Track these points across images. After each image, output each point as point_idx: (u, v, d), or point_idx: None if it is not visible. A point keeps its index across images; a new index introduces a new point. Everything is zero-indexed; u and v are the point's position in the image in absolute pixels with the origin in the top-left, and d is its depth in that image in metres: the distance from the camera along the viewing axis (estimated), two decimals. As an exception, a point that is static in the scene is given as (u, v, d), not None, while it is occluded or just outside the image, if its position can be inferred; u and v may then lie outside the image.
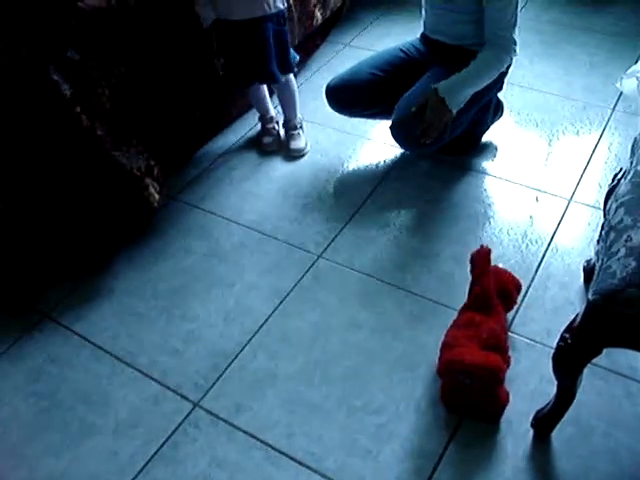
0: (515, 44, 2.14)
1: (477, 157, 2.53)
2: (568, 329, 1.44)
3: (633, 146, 1.61)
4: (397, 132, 2.25)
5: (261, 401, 1.79)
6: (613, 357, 1.78)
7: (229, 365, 1.88)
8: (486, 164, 2.50)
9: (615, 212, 1.41)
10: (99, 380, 1.86)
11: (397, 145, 2.38)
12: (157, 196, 2.15)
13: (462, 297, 2.00)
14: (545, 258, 2.11)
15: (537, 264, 2.09)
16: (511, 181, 2.41)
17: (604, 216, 1.82)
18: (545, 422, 1.66)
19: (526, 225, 2.23)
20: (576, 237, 2.17)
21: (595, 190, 2.33)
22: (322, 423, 1.73)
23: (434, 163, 2.52)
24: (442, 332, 1.91)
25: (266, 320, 1.99)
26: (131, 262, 2.19)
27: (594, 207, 2.26)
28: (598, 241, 1.53)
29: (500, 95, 2.52)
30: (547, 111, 2.72)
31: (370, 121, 2.71)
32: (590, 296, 1.30)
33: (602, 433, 1.68)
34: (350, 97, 2.39)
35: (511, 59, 2.17)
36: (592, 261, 1.98)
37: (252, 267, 2.16)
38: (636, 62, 2.90)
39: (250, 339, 1.94)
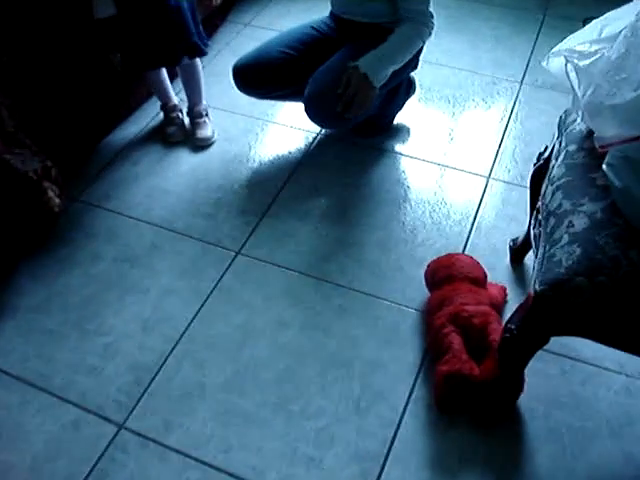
0: (432, 17, 2.06)
1: (392, 138, 2.47)
2: (512, 320, 1.40)
3: (559, 125, 1.57)
4: (312, 107, 2.12)
5: (191, 416, 1.67)
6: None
7: (153, 379, 1.75)
8: (402, 145, 2.44)
9: (552, 196, 1.37)
10: (9, 410, 1.68)
11: (310, 124, 2.25)
12: (57, 200, 1.96)
13: (390, 285, 1.96)
14: (470, 239, 2.08)
15: (463, 246, 2.06)
16: (428, 161, 2.37)
17: (530, 195, 1.81)
18: (492, 411, 1.64)
19: (448, 206, 2.19)
20: (498, 215, 2.16)
21: (512, 166, 2.32)
22: (259, 433, 1.63)
23: (348, 146, 2.44)
24: (373, 324, 1.87)
25: (188, 326, 1.87)
26: (34, 274, 2.00)
27: (513, 184, 2.25)
28: (534, 225, 1.50)
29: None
30: (458, 87, 2.69)
31: (279, 105, 2.60)
32: (537, 287, 1.25)
33: (542, 414, 1.67)
34: (260, 77, 2.23)
35: (430, 33, 2.09)
36: (519, 239, 1.96)
37: (167, 270, 2.02)
38: (537, 37, 2.93)
39: (173, 348, 1.81)
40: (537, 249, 1.42)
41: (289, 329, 1.86)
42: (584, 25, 2.87)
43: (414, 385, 1.73)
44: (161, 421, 1.66)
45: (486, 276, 1.85)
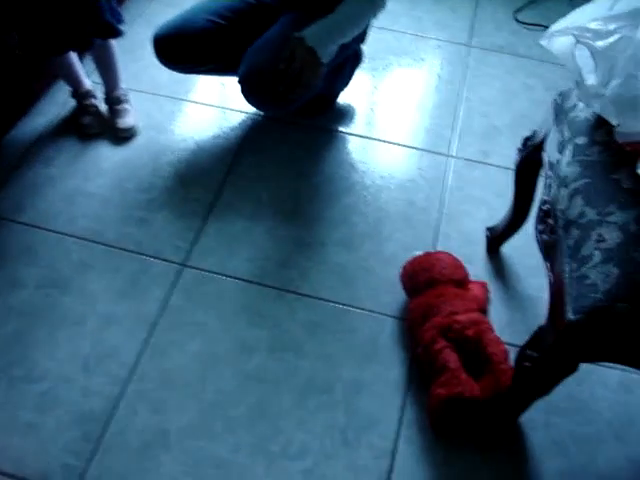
0: (386, -12, 1.82)
1: (338, 116, 2.22)
2: (532, 346, 1.22)
3: (556, 110, 1.38)
4: (249, 87, 1.85)
5: (156, 471, 1.43)
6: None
7: (104, 431, 1.49)
8: (351, 123, 2.20)
9: (570, 202, 1.18)
10: None
11: (247, 104, 1.97)
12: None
13: (361, 291, 1.76)
14: (440, 229, 1.89)
15: (433, 238, 1.87)
16: (381, 140, 2.15)
17: (517, 186, 1.64)
18: (492, 429, 1.50)
19: (410, 191, 1.99)
20: (465, 199, 1.98)
21: (472, 141, 2.14)
22: (239, 484, 1.42)
23: (290, 128, 2.18)
24: (348, 338, 1.67)
25: (137, 361, 1.60)
26: (-58, 315, 1.68)
27: (475, 161, 2.08)
28: (541, 230, 1.31)
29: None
30: (402, 53, 2.46)
31: (208, 83, 2.30)
32: (571, 315, 1.07)
33: (543, 424, 1.55)
34: (183, 49, 1.93)
35: (383, 6, 1.85)
36: (496, 229, 1.79)
37: (103, 293, 1.73)
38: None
39: (123, 390, 1.55)
40: (552, 259, 1.25)
41: (255, 353, 1.63)
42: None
43: (404, 406, 1.55)
44: (121, 482, 1.42)
45: (468, 275, 1.68)
